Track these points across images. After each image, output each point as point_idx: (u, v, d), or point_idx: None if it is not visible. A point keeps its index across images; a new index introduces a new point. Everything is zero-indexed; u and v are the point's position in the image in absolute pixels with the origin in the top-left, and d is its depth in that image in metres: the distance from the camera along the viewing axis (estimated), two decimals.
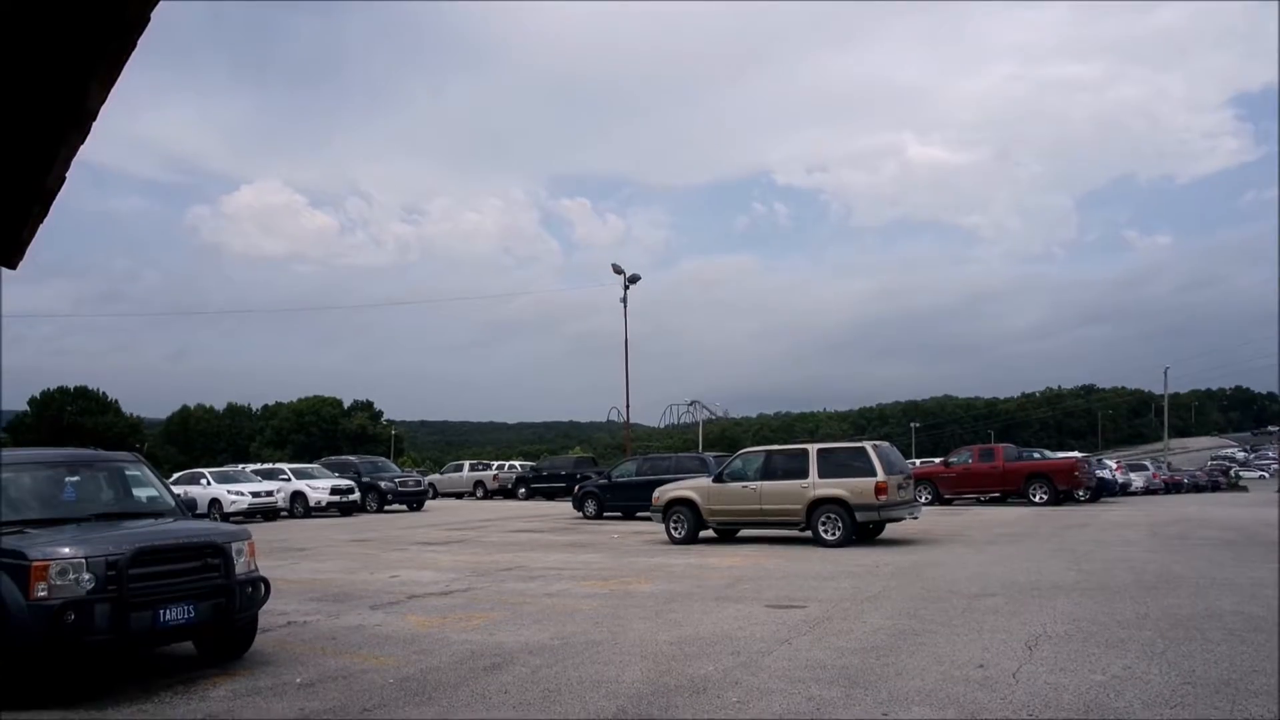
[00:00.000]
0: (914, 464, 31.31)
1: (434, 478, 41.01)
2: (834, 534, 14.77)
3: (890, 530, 16.16)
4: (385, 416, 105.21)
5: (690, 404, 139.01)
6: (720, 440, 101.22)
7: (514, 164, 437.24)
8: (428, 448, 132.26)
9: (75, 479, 7.58)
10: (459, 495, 39.22)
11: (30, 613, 5.78)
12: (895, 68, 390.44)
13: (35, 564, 5.87)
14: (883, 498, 14.63)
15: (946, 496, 27.27)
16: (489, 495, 38.22)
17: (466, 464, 44.23)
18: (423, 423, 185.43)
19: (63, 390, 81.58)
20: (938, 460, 33.75)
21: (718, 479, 16.62)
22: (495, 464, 44.69)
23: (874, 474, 14.71)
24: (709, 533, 16.62)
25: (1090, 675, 6.06)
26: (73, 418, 76.14)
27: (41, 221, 4.92)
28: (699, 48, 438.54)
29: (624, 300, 38.76)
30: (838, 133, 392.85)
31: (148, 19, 2.01)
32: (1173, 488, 43.64)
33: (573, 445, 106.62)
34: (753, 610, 8.95)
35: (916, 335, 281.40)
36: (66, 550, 6.05)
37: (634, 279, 39.22)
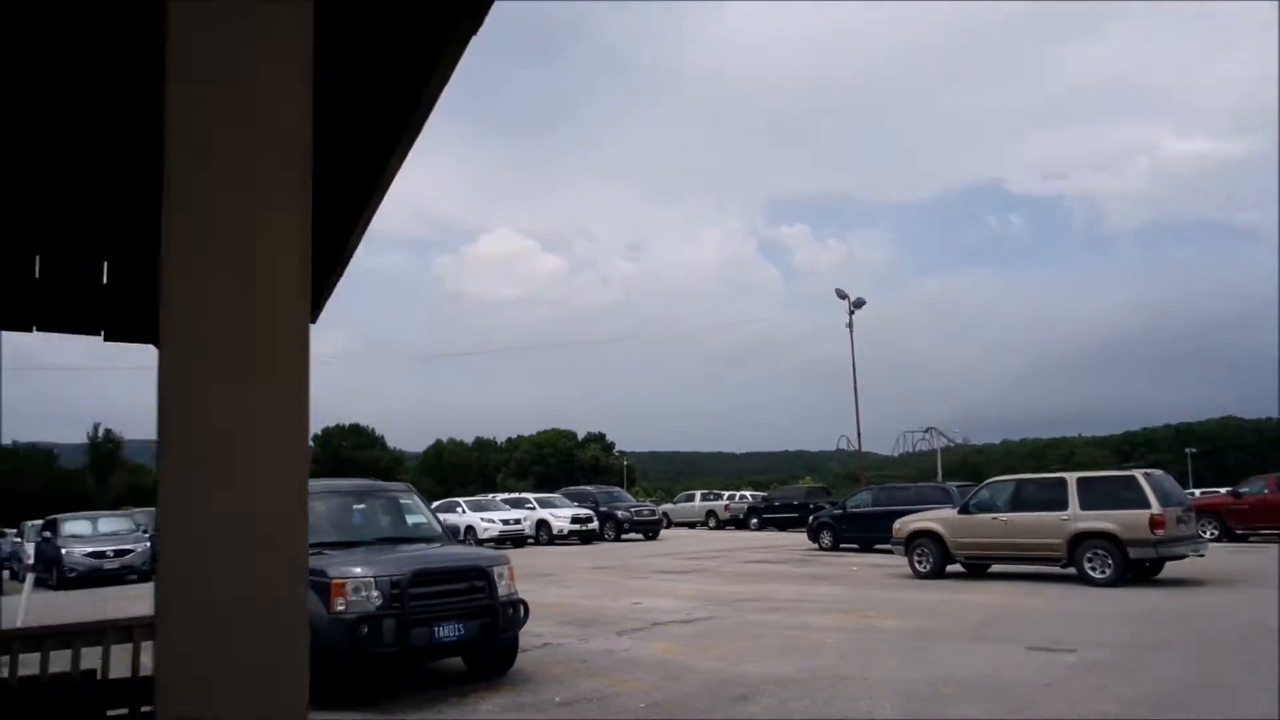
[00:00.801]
0: (1192, 495, 27.83)
1: (666, 507, 41.74)
2: (1103, 572, 13.44)
3: (1170, 569, 14.45)
4: (617, 447, 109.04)
5: (926, 431, 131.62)
6: (961, 469, 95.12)
7: (730, 192, 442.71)
8: (658, 477, 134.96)
9: (361, 506, 8.50)
10: (691, 525, 39.67)
11: (331, 625, 6.52)
12: (1134, 58, 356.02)
13: (334, 581, 6.63)
14: (1160, 532, 13.14)
15: (1238, 531, 23.99)
16: (720, 525, 38.36)
17: (698, 494, 44.64)
18: (653, 453, 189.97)
19: (339, 427, 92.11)
20: (1223, 490, 29.82)
21: (964, 510, 15.70)
22: (726, 494, 44.80)
23: (1148, 505, 13.26)
24: (955, 567, 15.70)
25: None
26: (348, 452, 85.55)
27: (339, 281, 5.60)
28: (914, 54, 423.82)
29: (850, 325, 37.90)
30: (1076, 133, 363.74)
31: (440, 94, 2.25)
32: None
33: (801, 474, 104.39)
34: (1013, 652, 8.32)
35: (1188, 349, 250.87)
36: (359, 570, 6.79)
37: (859, 303, 38.22)
